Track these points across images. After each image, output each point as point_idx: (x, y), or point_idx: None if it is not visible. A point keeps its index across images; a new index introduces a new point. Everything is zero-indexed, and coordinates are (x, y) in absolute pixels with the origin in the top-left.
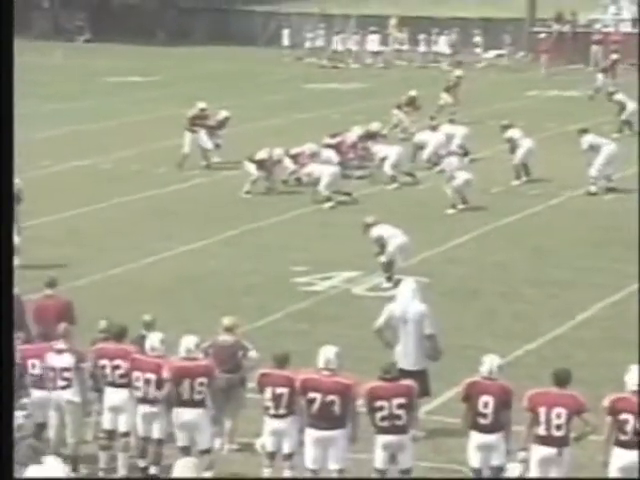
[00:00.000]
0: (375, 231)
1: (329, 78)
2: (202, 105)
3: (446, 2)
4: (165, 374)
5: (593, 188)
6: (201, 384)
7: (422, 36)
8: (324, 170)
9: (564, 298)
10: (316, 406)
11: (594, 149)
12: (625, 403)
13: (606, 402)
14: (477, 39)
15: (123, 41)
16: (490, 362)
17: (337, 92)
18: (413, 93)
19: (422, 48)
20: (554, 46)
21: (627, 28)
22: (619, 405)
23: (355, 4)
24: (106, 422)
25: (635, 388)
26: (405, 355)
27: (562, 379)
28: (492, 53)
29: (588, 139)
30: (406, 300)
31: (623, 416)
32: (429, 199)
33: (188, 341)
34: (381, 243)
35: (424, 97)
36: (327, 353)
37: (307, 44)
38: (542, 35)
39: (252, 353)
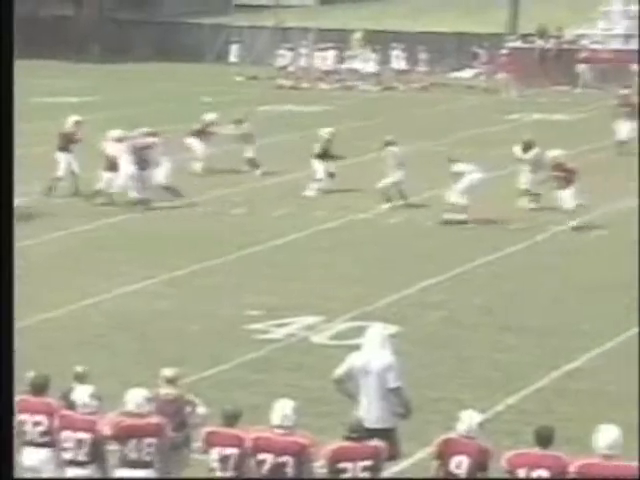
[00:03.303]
0: None
1: (287, 99)
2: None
3: (419, 14)
4: (106, 432)
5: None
6: (150, 445)
7: (391, 52)
8: None
9: (548, 346)
10: (266, 468)
11: (458, 175)
12: (595, 469)
13: (572, 468)
14: (450, 56)
15: (54, 57)
16: (469, 419)
17: (297, 115)
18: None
19: (387, 66)
20: (532, 64)
21: (618, 45)
22: (587, 471)
23: (315, 16)
24: None
25: (607, 452)
26: (368, 411)
27: (545, 438)
28: (468, 72)
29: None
30: (371, 349)
31: None
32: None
33: (137, 394)
34: None
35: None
36: (283, 408)
37: (262, 60)
38: (505, 51)
39: (200, 409)
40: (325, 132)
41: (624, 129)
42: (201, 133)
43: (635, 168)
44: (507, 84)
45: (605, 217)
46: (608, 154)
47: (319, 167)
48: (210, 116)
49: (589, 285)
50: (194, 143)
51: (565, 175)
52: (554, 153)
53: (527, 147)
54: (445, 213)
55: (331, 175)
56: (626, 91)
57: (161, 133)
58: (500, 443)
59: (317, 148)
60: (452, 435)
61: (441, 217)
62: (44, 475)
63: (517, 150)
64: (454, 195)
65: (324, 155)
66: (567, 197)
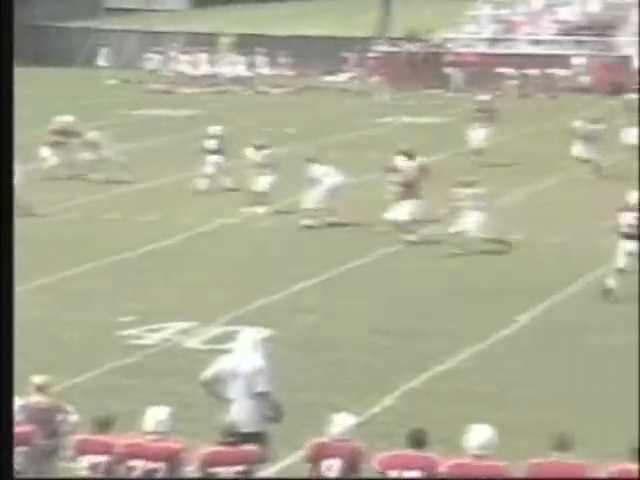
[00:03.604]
0: None
1: (159, 103)
2: None
3: (288, 18)
4: None
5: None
6: (19, 453)
7: (259, 57)
8: None
9: (418, 348)
10: (136, 474)
11: (315, 180)
12: (465, 469)
13: (443, 468)
14: (322, 60)
15: None
16: (341, 422)
17: (168, 119)
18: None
19: (259, 70)
20: (403, 68)
21: (484, 48)
22: (458, 471)
23: (186, 19)
24: None
25: (479, 452)
26: (239, 415)
27: (417, 439)
28: (343, 76)
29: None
30: (242, 353)
31: None
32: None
33: None
34: None
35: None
36: (156, 414)
37: (132, 64)
38: (376, 55)
39: (72, 417)
40: (216, 130)
41: (479, 136)
42: (61, 136)
43: (492, 178)
44: (380, 87)
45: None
46: (467, 160)
47: (210, 161)
48: (67, 118)
49: (459, 289)
50: (47, 150)
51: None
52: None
53: (409, 156)
54: (305, 219)
55: (208, 177)
56: (484, 97)
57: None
58: (374, 445)
59: (208, 145)
60: (324, 439)
61: (308, 221)
62: None
63: (398, 159)
64: (311, 199)
65: (215, 152)
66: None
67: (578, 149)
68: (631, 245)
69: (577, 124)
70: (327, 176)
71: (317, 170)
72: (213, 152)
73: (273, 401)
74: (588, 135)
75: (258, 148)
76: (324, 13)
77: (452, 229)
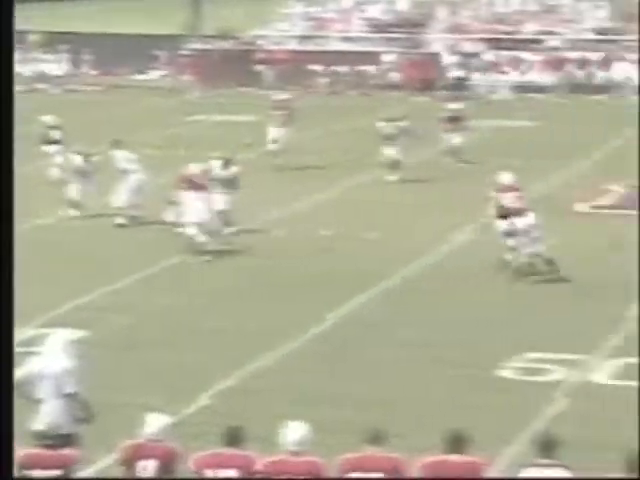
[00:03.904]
0: None
1: None
2: None
3: (105, 15)
4: None
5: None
6: None
7: (66, 55)
8: None
9: (233, 346)
10: None
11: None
12: (281, 466)
13: (259, 466)
14: (130, 58)
15: None
16: (154, 422)
17: None
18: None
19: (67, 68)
20: (216, 66)
21: (295, 45)
22: (274, 468)
23: None
24: None
25: (295, 448)
26: (48, 416)
27: (233, 437)
28: (154, 74)
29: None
30: (51, 354)
31: None
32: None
33: None
34: None
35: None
36: None
37: None
38: (187, 53)
39: None
40: (48, 119)
41: (276, 135)
42: None
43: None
44: (191, 85)
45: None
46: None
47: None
48: None
49: (269, 287)
50: None
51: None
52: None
53: (226, 164)
54: (118, 217)
55: None
56: (283, 96)
57: None
58: (189, 445)
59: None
60: (138, 440)
61: (121, 220)
62: None
63: (216, 166)
64: (118, 198)
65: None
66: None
67: (385, 148)
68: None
69: (381, 124)
70: (134, 173)
71: (124, 165)
72: None
73: (83, 402)
74: (393, 134)
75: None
76: (131, 11)
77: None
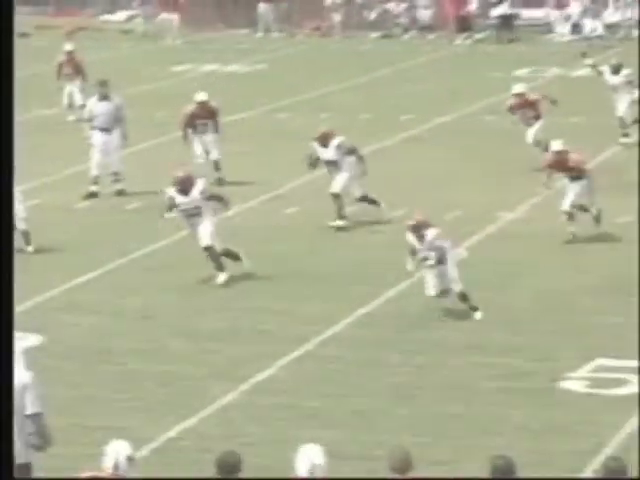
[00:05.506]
0: None
1: None
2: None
3: None
4: None
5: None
6: None
7: None
8: None
9: (227, 354)
10: None
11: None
12: None
13: None
14: None
15: None
16: (116, 453)
17: None
18: None
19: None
20: (202, 2)
21: None
22: None
23: None
24: None
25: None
26: None
27: (230, 466)
28: (121, 15)
29: None
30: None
31: None
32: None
33: None
34: None
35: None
36: None
37: None
38: None
39: None
40: None
41: None
42: None
43: None
44: (172, 28)
45: None
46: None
47: None
48: None
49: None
50: None
51: None
52: None
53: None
54: (91, 186)
55: None
56: None
57: None
58: (175, 473)
59: None
60: (101, 473)
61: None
62: None
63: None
64: (92, 165)
65: None
66: None
67: None
68: None
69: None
70: (107, 141)
71: (95, 136)
72: None
73: (42, 425)
74: None
75: None
76: None
77: None
